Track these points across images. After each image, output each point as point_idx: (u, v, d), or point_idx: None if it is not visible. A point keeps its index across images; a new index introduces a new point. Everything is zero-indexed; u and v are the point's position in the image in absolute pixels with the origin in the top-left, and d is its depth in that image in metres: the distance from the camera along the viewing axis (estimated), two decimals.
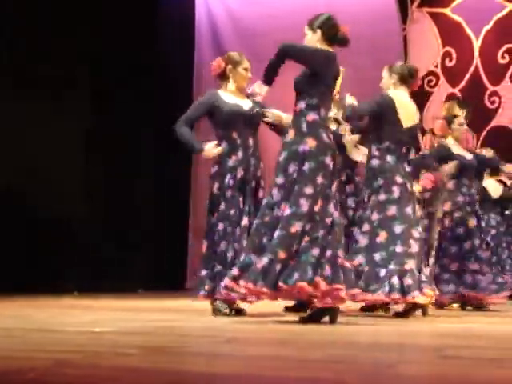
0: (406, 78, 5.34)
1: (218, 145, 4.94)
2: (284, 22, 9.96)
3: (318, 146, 4.21)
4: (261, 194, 4.96)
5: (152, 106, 9.25)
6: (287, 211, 4.12)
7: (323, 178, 4.17)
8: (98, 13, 8.52)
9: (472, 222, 6.19)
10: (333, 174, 4.24)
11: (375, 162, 5.14)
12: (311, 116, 4.29)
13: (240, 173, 4.91)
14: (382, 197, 5.03)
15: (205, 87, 10.35)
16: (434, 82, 9.60)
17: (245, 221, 4.81)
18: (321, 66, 4.29)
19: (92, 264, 8.22)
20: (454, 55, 9.50)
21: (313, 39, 4.44)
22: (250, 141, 5.00)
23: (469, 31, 9.46)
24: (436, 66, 9.60)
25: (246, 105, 5.06)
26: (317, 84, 4.29)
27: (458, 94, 9.46)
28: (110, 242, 8.57)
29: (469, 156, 6.51)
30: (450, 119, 6.24)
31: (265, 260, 4.05)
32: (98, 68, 8.64)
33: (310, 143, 4.22)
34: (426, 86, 9.62)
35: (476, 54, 9.43)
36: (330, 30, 4.43)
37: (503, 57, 9.30)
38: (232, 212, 4.83)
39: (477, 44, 9.45)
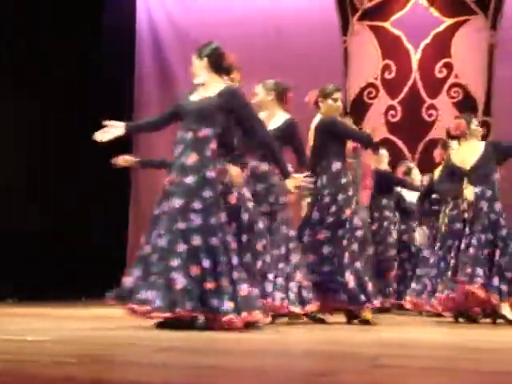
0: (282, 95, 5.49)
1: None
2: (226, 31, 10.00)
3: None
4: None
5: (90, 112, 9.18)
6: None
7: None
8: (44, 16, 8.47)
9: None
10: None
11: None
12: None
13: None
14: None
15: (146, 94, 10.36)
16: (373, 93, 9.76)
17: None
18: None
19: (37, 271, 8.09)
20: (394, 68, 9.67)
21: (200, 66, 4.63)
22: None
23: (408, 45, 9.65)
24: (376, 78, 9.76)
25: None
26: None
27: (397, 107, 9.63)
28: (55, 248, 8.46)
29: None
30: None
31: None
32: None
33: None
34: (365, 97, 9.78)
35: (414, 67, 9.62)
36: (217, 58, 4.66)
37: (441, 71, 9.51)
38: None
39: (415, 57, 9.64)
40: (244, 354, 3.30)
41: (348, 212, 5.39)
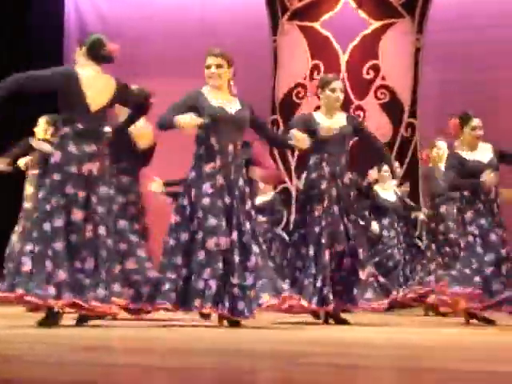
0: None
1: None
2: (155, 26, 9.96)
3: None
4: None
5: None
6: None
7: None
8: None
9: None
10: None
11: None
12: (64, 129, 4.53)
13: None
14: None
15: None
16: (302, 93, 9.83)
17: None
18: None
19: None
20: (322, 68, 9.75)
21: (79, 54, 4.71)
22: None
23: (336, 46, 9.75)
24: (305, 78, 9.83)
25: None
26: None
27: None
28: None
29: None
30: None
31: None
32: None
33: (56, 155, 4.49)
34: (294, 97, 9.84)
35: (343, 68, 9.73)
36: (95, 47, 4.68)
37: (368, 72, 9.64)
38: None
39: (343, 59, 9.74)
40: (167, 352, 3.28)
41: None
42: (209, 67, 4.90)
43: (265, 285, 4.58)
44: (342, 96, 5.47)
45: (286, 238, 8.19)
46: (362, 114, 9.60)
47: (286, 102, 9.85)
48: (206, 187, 4.72)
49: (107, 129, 4.64)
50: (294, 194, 9.64)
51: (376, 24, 9.67)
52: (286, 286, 4.83)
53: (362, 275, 5.26)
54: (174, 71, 9.58)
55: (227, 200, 4.72)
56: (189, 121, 4.71)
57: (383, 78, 9.63)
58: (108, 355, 3.11)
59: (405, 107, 9.43)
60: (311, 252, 5.25)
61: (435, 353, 3.54)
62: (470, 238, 5.59)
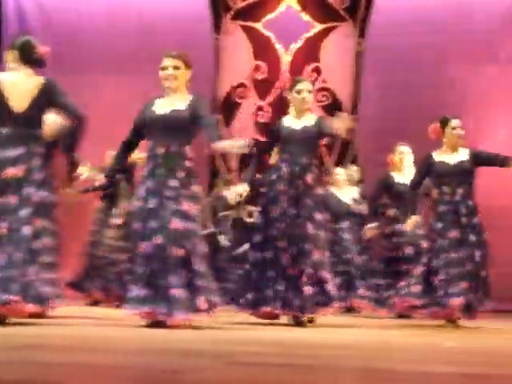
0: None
1: None
2: (97, 21, 9.84)
3: None
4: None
5: None
6: None
7: None
8: None
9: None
10: None
11: None
12: None
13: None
14: None
15: None
16: (243, 93, 9.83)
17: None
18: None
19: None
20: (264, 69, 9.77)
21: (10, 58, 4.63)
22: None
23: (278, 47, 9.78)
24: (247, 78, 9.83)
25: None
26: None
27: (267, 107, 9.74)
28: None
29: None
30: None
31: None
32: None
33: None
34: (236, 97, 9.83)
35: (285, 69, 9.76)
36: (26, 51, 4.62)
37: (310, 74, 9.69)
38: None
39: (286, 60, 9.78)
40: (105, 351, 3.25)
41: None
42: (165, 68, 4.77)
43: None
44: (309, 97, 5.35)
45: None
46: None
47: (227, 102, 9.84)
48: (140, 191, 4.72)
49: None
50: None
51: (318, 27, 9.73)
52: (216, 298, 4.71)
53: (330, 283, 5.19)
54: (111, 66, 9.49)
55: (153, 203, 4.62)
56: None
57: (324, 81, 9.69)
58: (45, 353, 3.05)
59: (345, 110, 9.50)
60: (269, 255, 5.18)
61: (378, 353, 3.57)
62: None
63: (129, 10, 9.82)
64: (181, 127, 4.69)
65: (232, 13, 9.85)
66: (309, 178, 5.25)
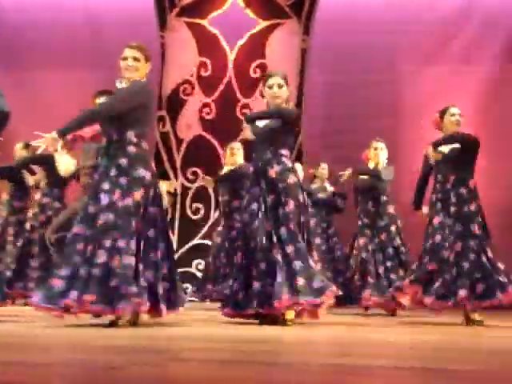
0: None
1: None
2: (44, 17, 9.71)
3: None
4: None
5: None
6: None
7: None
8: None
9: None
10: None
11: None
12: None
13: None
14: None
15: None
16: (189, 90, 9.80)
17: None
18: None
19: None
20: (210, 66, 9.76)
21: None
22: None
23: (224, 44, 9.78)
24: (192, 75, 9.81)
25: None
26: None
27: (212, 104, 9.73)
28: None
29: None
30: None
31: None
32: None
33: None
34: (181, 94, 9.80)
35: (230, 66, 9.76)
36: None
37: (255, 71, 9.71)
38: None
39: (231, 57, 9.78)
40: (41, 349, 3.21)
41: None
42: (125, 59, 4.77)
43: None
44: (281, 91, 5.25)
45: None
46: (248, 112, 9.65)
47: (172, 99, 9.80)
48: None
49: None
50: (179, 191, 9.60)
51: (263, 24, 9.76)
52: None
53: (279, 276, 4.91)
54: (62, 63, 9.38)
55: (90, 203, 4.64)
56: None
57: None
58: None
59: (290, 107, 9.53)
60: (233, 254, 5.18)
61: (293, 347, 3.60)
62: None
63: (75, 5, 9.71)
64: (120, 119, 4.64)
65: (177, 9, 9.81)
66: (272, 172, 5.13)
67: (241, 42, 9.76)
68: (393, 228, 7.09)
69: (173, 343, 3.67)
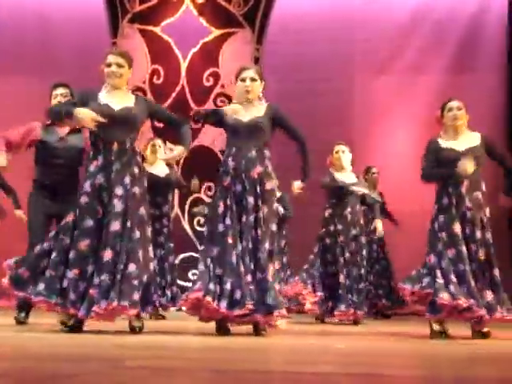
0: None
1: None
2: None
3: None
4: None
5: None
6: None
7: None
8: None
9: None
10: None
11: None
12: None
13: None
14: None
15: None
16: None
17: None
18: None
19: None
20: (162, 73, 9.73)
21: None
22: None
23: (177, 51, 9.76)
24: (144, 82, 9.77)
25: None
26: None
27: None
28: None
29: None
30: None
31: None
32: None
33: None
34: None
35: (183, 74, 9.75)
36: None
37: (208, 79, 9.71)
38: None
39: (184, 65, 9.77)
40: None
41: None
42: (109, 65, 4.81)
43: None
44: (254, 85, 5.06)
45: None
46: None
47: None
48: (86, 186, 4.73)
49: None
50: None
51: (217, 32, 9.77)
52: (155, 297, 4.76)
53: (268, 276, 4.77)
54: (13, 68, 9.28)
55: (105, 199, 4.70)
56: (87, 115, 4.65)
57: (222, 86, 9.73)
58: None
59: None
60: (215, 252, 4.91)
61: (243, 354, 3.60)
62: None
63: (24, 9, 9.61)
64: (133, 124, 4.82)
65: (130, 16, 9.77)
66: (254, 172, 4.97)
67: (194, 50, 9.75)
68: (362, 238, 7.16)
69: (121, 351, 3.64)
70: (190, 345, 4.15)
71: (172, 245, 7.27)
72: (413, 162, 9.35)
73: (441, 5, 9.72)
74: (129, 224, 4.65)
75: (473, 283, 5.13)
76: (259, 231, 4.88)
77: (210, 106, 9.64)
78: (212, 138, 9.63)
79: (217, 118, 5.08)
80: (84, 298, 4.56)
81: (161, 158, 7.02)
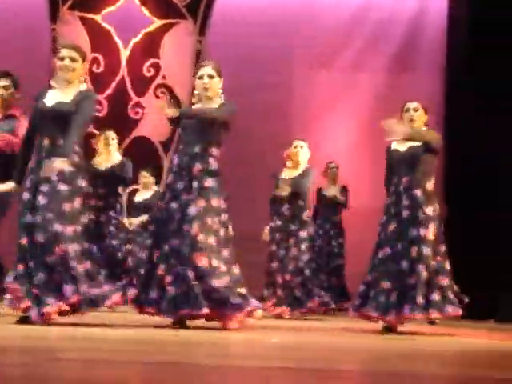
0: None
1: None
2: None
3: None
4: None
5: None
6: None
7: None
8: None
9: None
10: None
11: None
12: None
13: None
14: None
15: None
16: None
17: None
18: None
19: None
20: (102, 62, 9.59)
21: None
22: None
23: (118, 40, 9.64)
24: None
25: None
26: None
27: (104, 102, 9.57)
28: None
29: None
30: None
31: None
32: None
33: None
34: None
35: (123, 63, 9.63)
36: None
37: (148, 70, 9.62)
38: None
39: (124, 54, 9.65)
40: None
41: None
42: (62, 59, 4.73)
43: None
44: (212, 82, 5.02)
45: None
46: (140, 111, 9.57)
47: None
48: (27, 181, 4.73)
49: None
50: None
51: (159, 22, 9.68)
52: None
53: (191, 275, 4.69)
54: None
55: (30, 196, 4.66)
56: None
57: (163, 77, 9.66)
58: None
59: (183, 107, 9.49)
60: (150, 253, 4.93)
61: (172, 348, 3.59)
62: None
63: None
64: (64, 119, 4.66)
65: (70, 2, 9.59)
66: (195, 169, 4.90)
67: (135, 39, 9.64)
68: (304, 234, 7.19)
69: (52, 343, 3.59)
70: (130, 337, 4.12)
71: (123, 235, 7.26)
72: (351, 159, 9.50)
73: (382, 4, 9.83)
74: (47, 217, 4.55)
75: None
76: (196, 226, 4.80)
77: (150, 96, 9.56)
78: (151, 128, 9.54)
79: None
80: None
81: None
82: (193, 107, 5.18)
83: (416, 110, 5.51)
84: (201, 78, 5.05)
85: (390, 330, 5.22)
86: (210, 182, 4.91)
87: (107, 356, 3.06)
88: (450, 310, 5.21)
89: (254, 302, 4.81)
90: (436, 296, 5.17)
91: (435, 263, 5.24)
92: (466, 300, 5.32)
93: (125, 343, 3.75)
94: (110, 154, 7.27)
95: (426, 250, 5.20)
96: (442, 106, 9.48)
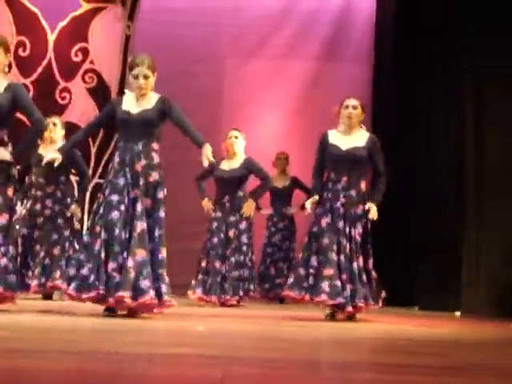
0: None
1: None
2: None
3: None
4: None
5: None
6: None
7: None
8: None
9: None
10: None
11: None
12: None
13: None
14: None
15: None
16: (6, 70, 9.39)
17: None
18: None
19: None
20: (28, 46, 9.40)
21: None
22: None
23: (44, 24, 9.44)
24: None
25: None
26: None
27: (30, 86, 9.38)
28: None
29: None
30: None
31: None
32: None
33: None
34: None
35: (50, 47, 9.45)
36: None
37: (76, 55, 9.46)
38: None
39: (51, 38, 9.47)
40: None
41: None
42: None
43: None
44: (147, 83, 5.00)
45: None
46: (68, 96, 9.41)
47: None
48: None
49: None
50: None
51: (87, 6, 9.51)
52: None
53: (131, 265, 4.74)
54: None
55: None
56: None
57: (92, 62, 9.51)
58: None
59: (112, 93, 9.40)
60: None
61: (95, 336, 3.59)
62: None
63: None
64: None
65: None
66: (138, 166, 4.91)
67: (62, 23, 9.46)
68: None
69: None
70: (54, 326, 4.09)
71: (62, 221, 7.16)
72: (278, 148, 9.56)
73: None
74: None
75: (331, 272, 5.33)
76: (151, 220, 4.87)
77: (77, 81, 9.41)
78: (80, 113, 9.40)
79: (106, 113, 5.27)
80: None
81: None
82: None
83: (355, 107, 5.73)
84: (136, 77, 5.02)
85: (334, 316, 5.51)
86: (154, 176, 4.96)
87: (29, 346, 3.04)
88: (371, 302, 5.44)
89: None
90: (360, 287, 5.38)
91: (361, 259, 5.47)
92: (384, 295, 5.58)
93: (48, 332, 3.72)
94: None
95: (356, 247, 5.47)
96: (368, 97, 9.61)
